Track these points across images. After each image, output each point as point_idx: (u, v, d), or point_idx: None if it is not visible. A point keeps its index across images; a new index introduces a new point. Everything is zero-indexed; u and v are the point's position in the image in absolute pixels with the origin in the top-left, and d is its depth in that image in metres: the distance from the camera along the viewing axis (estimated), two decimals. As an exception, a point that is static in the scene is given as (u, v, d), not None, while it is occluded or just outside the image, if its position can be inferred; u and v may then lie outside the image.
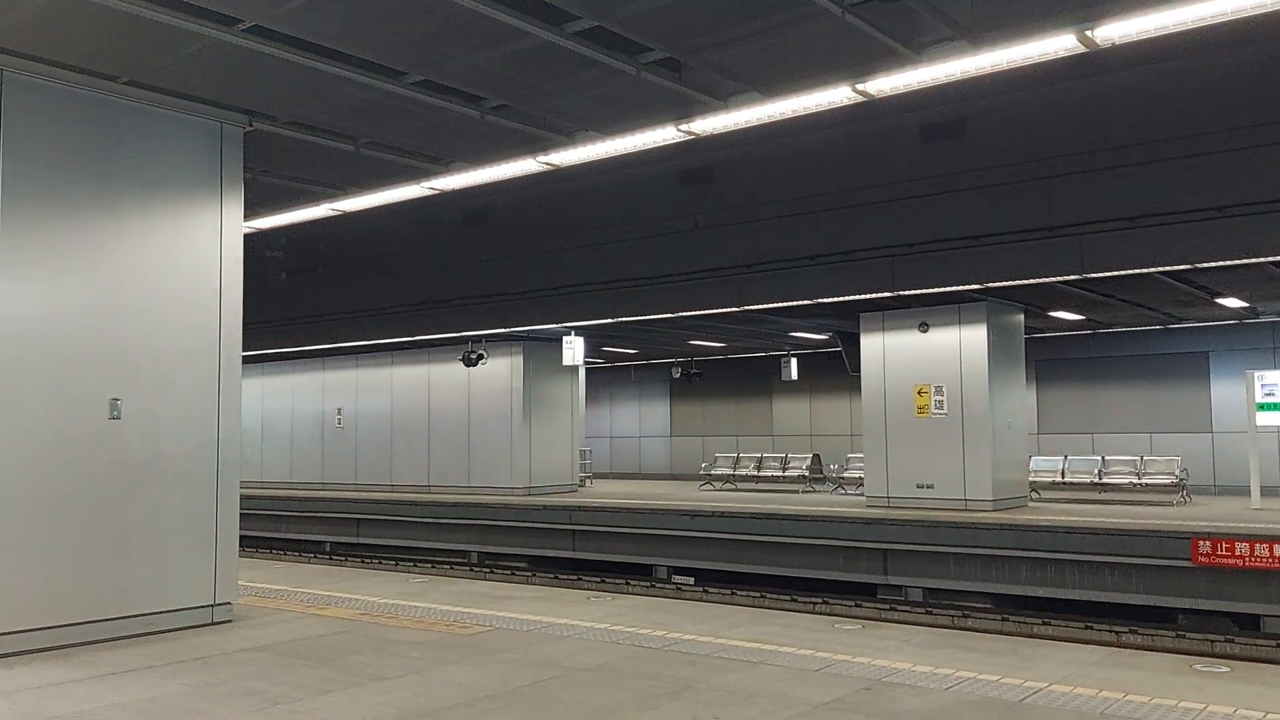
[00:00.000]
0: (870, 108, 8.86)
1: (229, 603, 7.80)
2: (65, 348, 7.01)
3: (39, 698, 5.57)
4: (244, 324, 8.09)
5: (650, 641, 6.96)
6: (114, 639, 7.05)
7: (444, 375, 21.79)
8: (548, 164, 9.04)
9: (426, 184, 9.84)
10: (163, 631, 7.32)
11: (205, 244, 7.81)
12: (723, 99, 7.82)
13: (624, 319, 16.21)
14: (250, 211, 10.09)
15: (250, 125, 8.13)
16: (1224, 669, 6.00)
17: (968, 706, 5.23)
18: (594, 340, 21.38)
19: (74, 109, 7.18)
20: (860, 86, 7.23)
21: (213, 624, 7.64)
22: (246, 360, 8.94)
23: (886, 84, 7.21)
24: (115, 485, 7.19)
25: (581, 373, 22.52)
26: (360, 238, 17.59)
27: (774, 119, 7.82)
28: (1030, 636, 11.02)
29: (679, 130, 8.10)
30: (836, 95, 7.38)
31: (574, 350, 19.06)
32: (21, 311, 6.83)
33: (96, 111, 7.30)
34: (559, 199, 15.08)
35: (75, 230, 7.12)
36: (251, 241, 8.89)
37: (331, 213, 10.98)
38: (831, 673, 6.01)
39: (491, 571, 18.12)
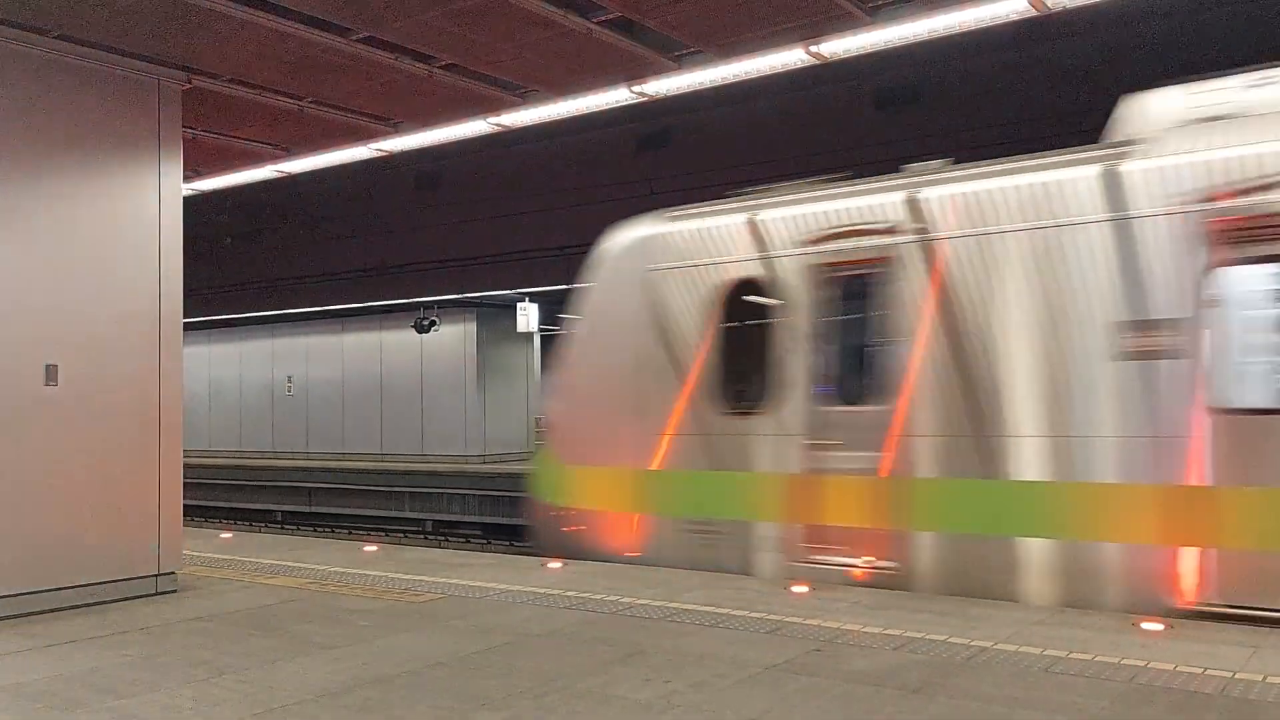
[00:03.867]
0: (826, 71, 8.82)
1: (173, 572, 7.67)
2: (-4, 312, 6.79)
3: (-26, 671, 5.43)
4: (189, 290, 7.89)
5: (603, 607, 6.95)
6: (55, 610, 6.90)
7: (396, 342, 21.56)
8: (498, 125, 8.90)
9: (374, 145, 9.65)
10: (105, 602, 7.18)
11: (143, 205, 7.57)
12: (676, 59, 7.73)
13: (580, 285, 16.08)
14: (191, 172, 9.84)
15: (189, 82, 7.87)
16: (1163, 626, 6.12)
17: (914, 666, 5.29)
18: (549, 307, 21.24)
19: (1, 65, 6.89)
20: (814, 48, 7.17)
21: (157, 594, 7.50)
22: (193, 327, 8.74)
23: (840, 46, 7.17)
24: (53, 453, 6.99)
25: (538, 340, 22.40)
26: (310, 201, 17.25)
27: (728, 80, 7.76)
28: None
29: (632, 91, 8.00)
30: (790, 57, 7.33)
31: (528, 317, 18.94)
32: (-51, 274, 6.59)
33: (25, 67, 7.00)
34: (513, 163, 14.89)
35: (4, 192, 6.86)
36: (195, 204, 8.65)
37: (276, 174, 10.74)
38: (783, 635, 6.04)
39: (445, 540, 18.04)
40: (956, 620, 6.35)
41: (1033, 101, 11.35)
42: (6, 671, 5.39)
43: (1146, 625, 6.12)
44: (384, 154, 10.14)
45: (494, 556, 9.38)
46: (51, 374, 6.99)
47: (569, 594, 7.42)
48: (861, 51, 7.23)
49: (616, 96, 8.14)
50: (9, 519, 6.75)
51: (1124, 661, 5.31)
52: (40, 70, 7.07)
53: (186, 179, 8.12)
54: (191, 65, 7.81)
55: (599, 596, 7.30)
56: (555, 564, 8.78)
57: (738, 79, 7.67)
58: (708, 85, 7.86)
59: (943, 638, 5.89)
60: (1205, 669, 5.15)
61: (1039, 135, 11.38)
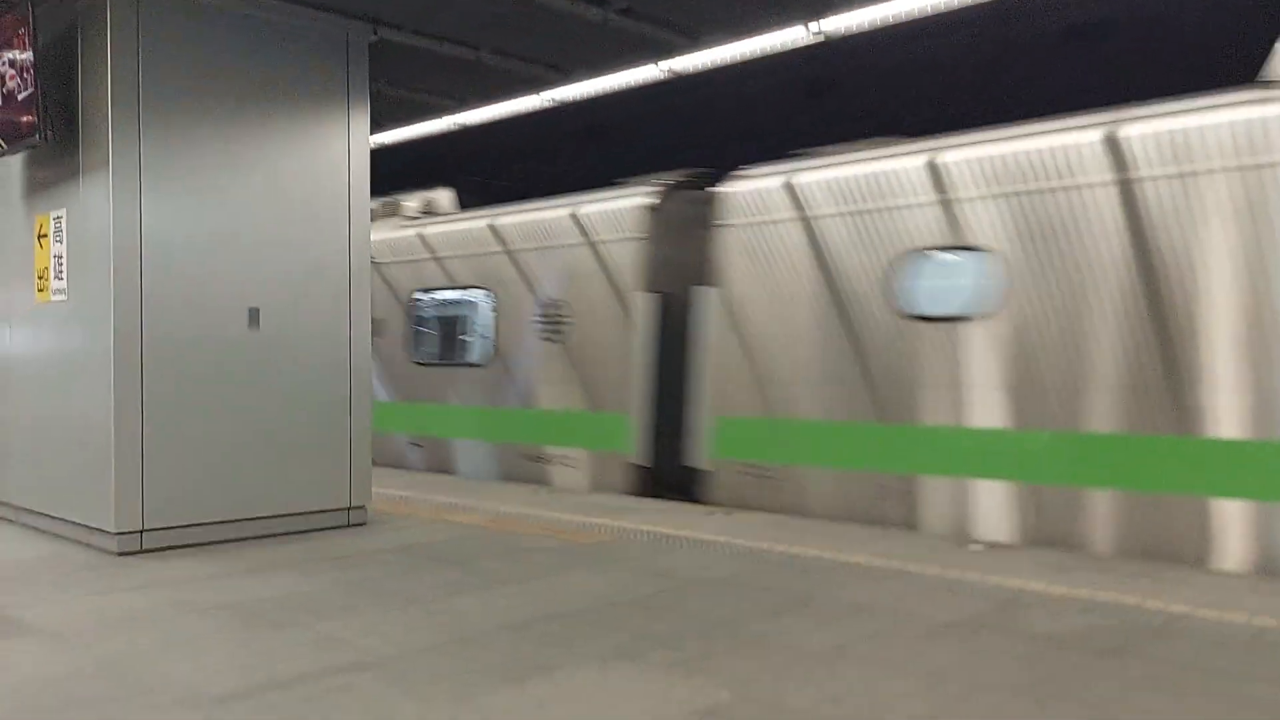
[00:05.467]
0: (1010, 7, 8.33)
1: (363, 506, 8.10)
2: (205, 260, 7.23)
3: (194, 589, 5.91)
4: (371, 238, 8.18)
5: (769, 556, 6.94)
6: (256, 537, 7.41)
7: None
8: (670, 70, 8.82)
9: (547, 94, 9.74)
10: (301, 532, 7.66)
11: (334, 158, 7.89)
12: (858, -4, 7.44)
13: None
14: (373, 125, 10.19)
15: (375, 34, 8.12)
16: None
17: (1105, 630, 5.05)
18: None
19: (206, 23, 7.25)
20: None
21: (349, 526, 7.96)
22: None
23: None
24: (255, 391, 7.47)
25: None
26: (479, 156, 17.68)
27: (911, 17, 7.40)
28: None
29: (809, 30, 7.76)
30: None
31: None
32: (165, 225, 7.06)
33: (228, 25, 7.36)
34: (680, 113, 14.80)
35: (210, 146, 7.26)
36: (374, 157, 8.96)
37: (452, 126, 11.02)
38: (961, 591, 5.88)
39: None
40: (1149, 583, 6.02)
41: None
42: (217, 592, 5.84)
43: (1368, 600, 5.64)
44: (554, 104, 10.24)
45: (657, 503, 9.49)
46: (254, 317, 7.44)
47: (735, 542, 7.44)
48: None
49: (792, 36, 7.92)
50: (216, 452, 7.28)
51: (1343, 637, 4.91)
52: (240, 27, 7.40)
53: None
54: (378, 18, 8.04)
55: (764, 546, 7.30)
56: (718, 512, 8.82)
57: (923, 15, 7.32)
58: (889, 22, 7.53)
59: (1135, 601, 5.60)
60: None
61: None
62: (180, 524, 7.11)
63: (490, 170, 18.30)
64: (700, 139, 15.21)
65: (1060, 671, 4.41)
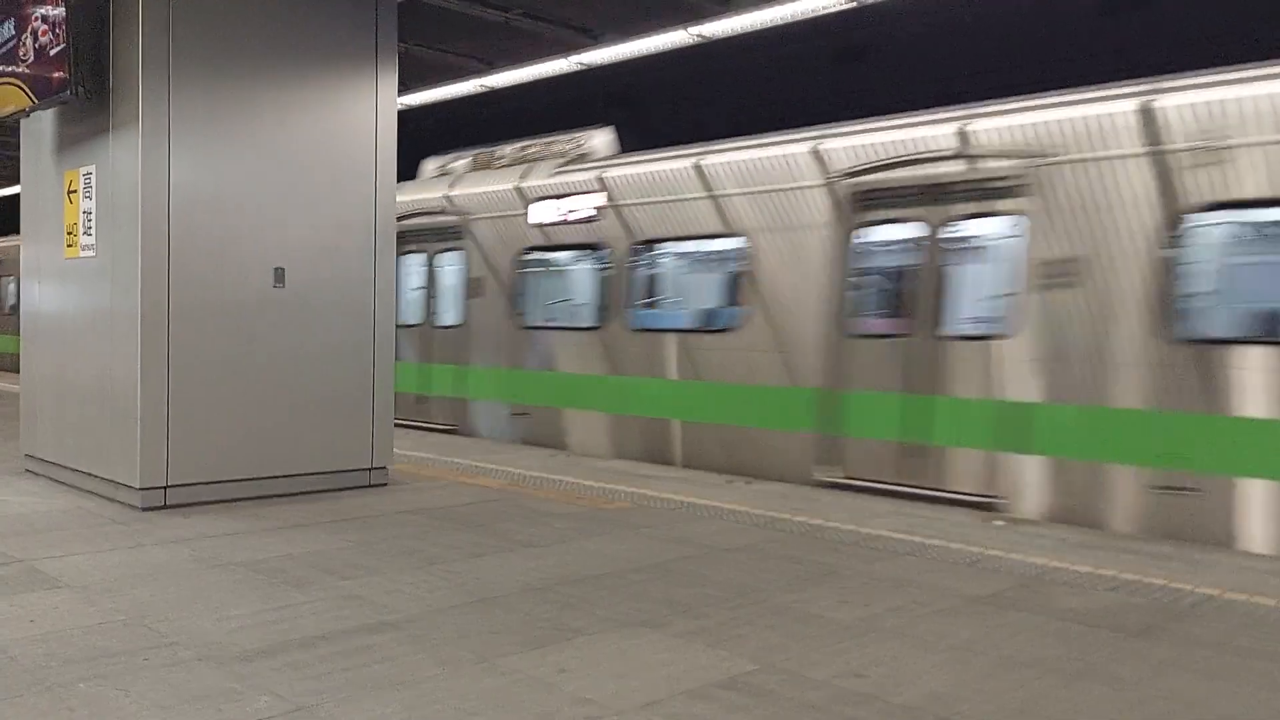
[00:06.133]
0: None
1: (384, 467, 8.12)
2: (232, 218, 7.22)
3: (217, 546, 5.94)
4: (396, 200, 8.13)
5: (791, 527, 6.91)
6: (278, 496, 7.44)
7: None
8: (699, 35, 8.70)
9: (575, 58, 9.65)
10: (321, 492, 7.69)
11: (361, 118, 7.83)
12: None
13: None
14: (401, 86, 10.13)
15: (404, -7, 8.03)
16: None
17: (1133, 609, 4.99)
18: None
19: (235, -21, 7.19)
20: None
21: (369, 486, 7.98)
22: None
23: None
24: (280, 350, 7.47)
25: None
26: (502, 122, 17.56)
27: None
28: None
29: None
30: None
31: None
32: (193, 182, 7.04)
33: (256, -19, 7.29)
34: (708, 80, 14.62)
35: (239, 104, 7.22)
36: (400, 118, 8.90)
37: (479, 89, 10.94)
38: (985, 567, 5.83)
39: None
40: (1177, 565, 5.96)
41: None
42: (241, 549, 5.87)
43: (1401, 586, 5.55)
44: (583, 68, 10.14)
45: (677, 471, 9.48)
46: (279, 276, 7.43)
47: (755, 512, 7.41)
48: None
49: (824, 2, 7.78)
50: (239, 409, 7.30)
51: (1376, 622, 4.84)
52: (269, -15, 7.33)
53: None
54: (406, -23, 7.95)
55: (785, 516, 7.26)
56: (739, 482, 8.80)
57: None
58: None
59: (1163, 582, 5.53)
60: None
61: None
62: (204, 481, 7.15)
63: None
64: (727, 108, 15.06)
65: (1089, 649, 4.35)
